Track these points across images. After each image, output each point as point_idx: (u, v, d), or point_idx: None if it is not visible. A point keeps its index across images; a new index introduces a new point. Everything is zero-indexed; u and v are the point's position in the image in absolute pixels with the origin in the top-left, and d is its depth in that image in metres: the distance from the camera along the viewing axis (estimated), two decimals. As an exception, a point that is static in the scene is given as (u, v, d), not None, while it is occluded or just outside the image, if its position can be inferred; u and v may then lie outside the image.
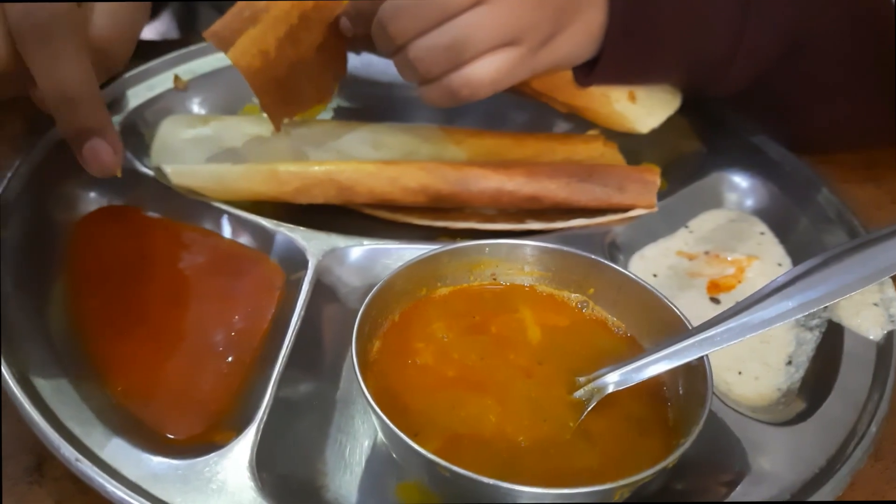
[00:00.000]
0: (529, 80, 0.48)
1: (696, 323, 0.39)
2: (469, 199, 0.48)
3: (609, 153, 0.52)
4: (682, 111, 0.54)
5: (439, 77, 0.46)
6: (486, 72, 0.45)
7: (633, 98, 0.52)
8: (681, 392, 0.39)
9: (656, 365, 0.38)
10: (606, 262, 0.43)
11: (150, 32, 0.95)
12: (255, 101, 0.54)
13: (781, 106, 0.57)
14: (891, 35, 0.55)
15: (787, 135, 0.57)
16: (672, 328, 0.40)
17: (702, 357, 0.38)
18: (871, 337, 0.44)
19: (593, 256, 0.43)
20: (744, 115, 0.56)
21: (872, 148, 0.59)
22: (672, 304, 0.40)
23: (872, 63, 0.56)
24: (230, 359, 0.42)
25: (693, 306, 0.45)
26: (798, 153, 0.56)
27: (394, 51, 0.47)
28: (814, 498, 0.37)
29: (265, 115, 0.50)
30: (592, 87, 0.49)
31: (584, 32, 0.48)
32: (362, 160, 0.50)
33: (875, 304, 0.45)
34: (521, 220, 0.49)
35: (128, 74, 0.56)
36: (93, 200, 0.50)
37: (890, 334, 0.44)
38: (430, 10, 0.44)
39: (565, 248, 0.44)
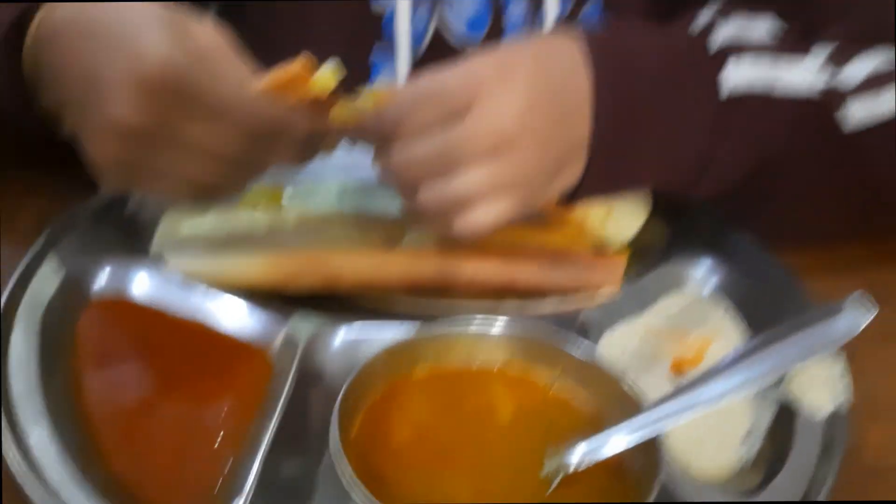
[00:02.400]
0: None
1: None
2: (449, 286, 0.51)
3: (580, 240, 0.55)
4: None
5: (442, 218, 0.49)
6: (487, 219, 0.49)
7: (609, 214, 0.56)
8: (640, 466, 0.42)
9: (616, 442, 0.41)
10: (576, 341, 0.46)
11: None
12: (252, 191, 0.56)
13: (744, 212, 0.61)
14: (854, 159, 0.59)
15: (751, 229, 0.61)
16: (632, 406, 0.43)
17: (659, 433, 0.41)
18: (821, 412, 0.46)
19: (562, 337, 0.46)
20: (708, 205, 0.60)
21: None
22: (632, 383, 0.44)
23: (838, 184, 0.59)
24: (219, 440, 0.45)
25: (657, 384, 0.47)
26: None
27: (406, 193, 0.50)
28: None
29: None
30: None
31: (571, 175, 0.52)
32: (349, 249, 0.53)
33: (825, 380, 0.47)
34: (499, 300, 0.52)
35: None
36: (106, 278, 0.53)
37: (837, 409, 0.46)
38: (444, 165, 0.47)
39: (535, 330, 0.47)
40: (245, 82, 0.46)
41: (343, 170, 0.60)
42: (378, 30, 0.71)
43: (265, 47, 0.76)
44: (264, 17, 0.76)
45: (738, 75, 0.56)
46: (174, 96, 0.45)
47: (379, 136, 0.50)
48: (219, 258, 0.51)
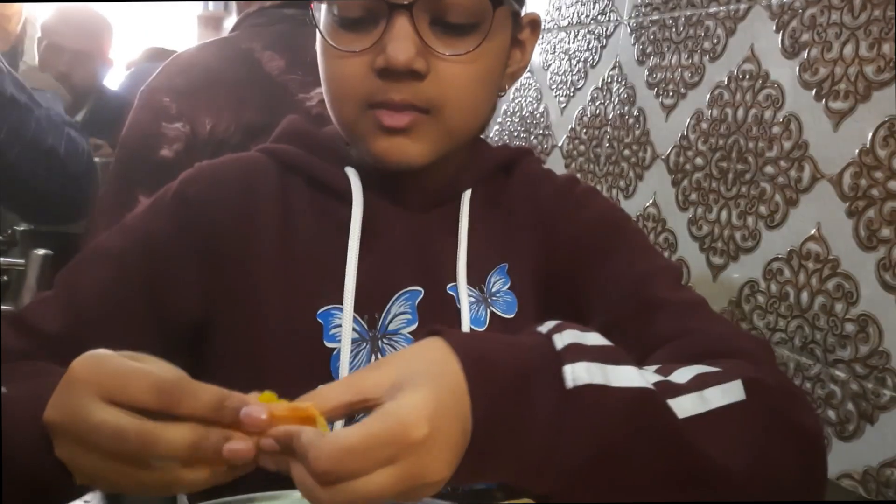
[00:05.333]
0: None
1: None
2: None
3: None
4: None
5: None
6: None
7: None
8: None
9: None
10: None
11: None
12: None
13: None
14: (686, 447, 0.66)
15: None
16: None
17: None
18: None
19: None
20: None
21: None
22: None
23: (675, 475, 0.67)
24: None
25: None
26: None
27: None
28: None
29: None
30: None
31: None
32: None
33: None
34: None
35: None
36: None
37: None
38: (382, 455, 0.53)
39: None
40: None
41: None
42: (327, 364, 0.81)
43: (222, 375, 0.84)
44: (226, 348, 0.86)
45: (577, 372, 0.63)
46: None
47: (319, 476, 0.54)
48: None
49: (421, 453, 0.54)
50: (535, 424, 0.63)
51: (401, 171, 0.84)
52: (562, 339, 0.66)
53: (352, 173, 0.88)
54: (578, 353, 0.65)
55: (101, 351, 0.59)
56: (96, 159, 1.95)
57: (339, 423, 0.68)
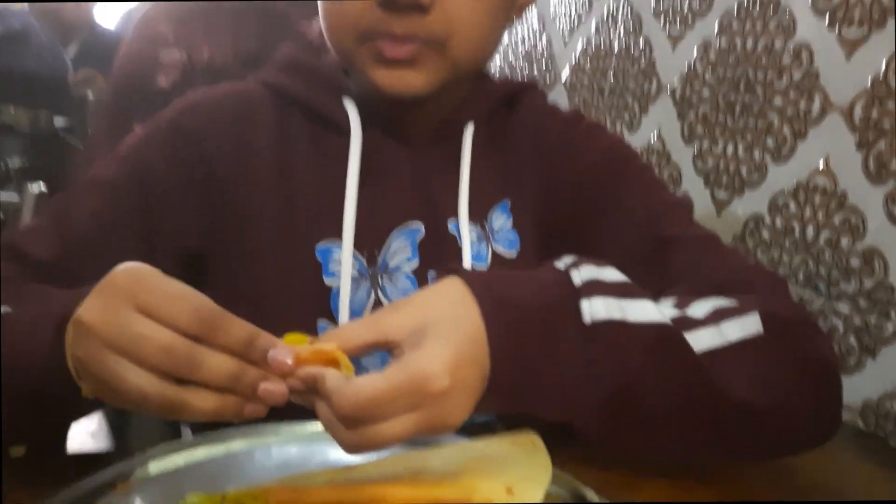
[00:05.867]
0: None
1: None
2: None
3: None
4: (554, 488, 0.63)
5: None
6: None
7: (510, 491, 0.60)
8: None
9: None
10: None
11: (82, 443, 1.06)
12: (189, 499, 0.61)
13: (616, 437, 0.68)
14: (706, 379, 0.66)
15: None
16: None
17: None
18: None
19: None
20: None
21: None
22: None
23: (694, 405, 0.67)
24: None
25: None
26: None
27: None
28: None
29: None
30: (474, 499, 0.60)
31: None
32: None
33: None
34: None
35: (80, 482, 0.62)
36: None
37: None
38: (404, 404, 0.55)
39: None
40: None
41: (282, 467, 0.65)
42: (326, 301, 0.80)
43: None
44: (224, 281, 0.85)
45: (596, 307, 0.64)
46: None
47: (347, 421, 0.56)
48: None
49: (442, 402, 0.55)
50: (556, 361, 0.63)
51: (402, 103, 0.81)
52: (580, 275, 0.66)
53: (350, 106, 0.85)
54: (596, 288, 0.65)
55: (144, 265, 0.58)
56: (88, 92, 1.91)
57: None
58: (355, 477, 0.64)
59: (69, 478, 0.62)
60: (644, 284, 0.70)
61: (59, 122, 2.19)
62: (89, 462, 0.66)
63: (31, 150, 2.10)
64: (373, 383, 0.54)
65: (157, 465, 0.66)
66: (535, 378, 0.63)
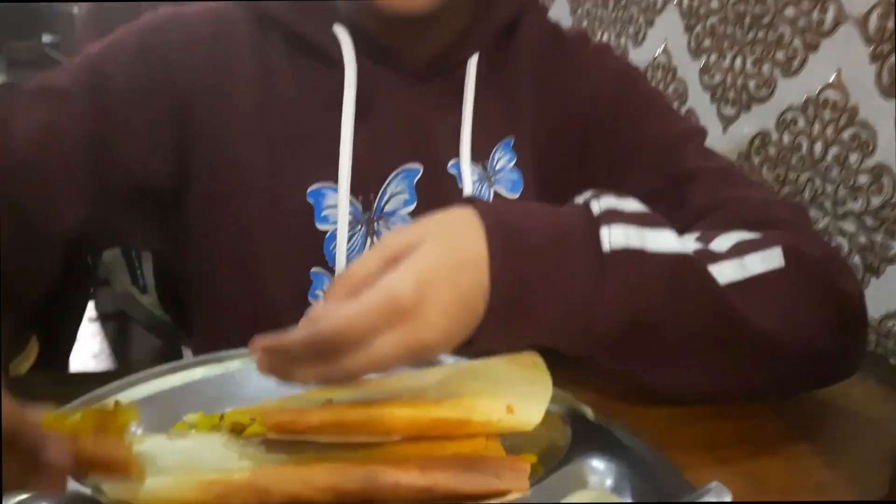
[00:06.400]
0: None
1: None
2: (373, 494, 0.55)
3: (491, 446, 0.60)
4: (555, 407, 0.63)
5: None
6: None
7: (511, 410, 0.60)
8: None
9: None
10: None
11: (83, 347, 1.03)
12: (186, 419, 0.61)
13: (638, 372, 0.68)
14: (729, 312, 0.65)
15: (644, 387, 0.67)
16: None
17: None
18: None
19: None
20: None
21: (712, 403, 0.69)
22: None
23: (717, 338, 0.66)
24: None
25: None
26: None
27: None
28: None
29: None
30: (474, 418, 0.59)
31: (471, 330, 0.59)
32: (279, 463, 0.57)
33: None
34: None
35: (74, 403, 0.62)
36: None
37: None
38: (378, 325, 0.54)
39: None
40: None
41: (280, 388, 0.64)
42: (320, 248, 0.77)
43: (212, 273, 0.81)
44: (212, 241, 0.81)
45: (615, 235, 0.62)
46: None
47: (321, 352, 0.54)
48: (153, 481, 0.54)
49: (414, 320, 0.54)
50: (570, 290, 0.61)
51: (400, 27, 0.76)
52: (599, 205, 0.64)
53: (342, 33, 0.78)
54: (616, 216, 0.63)
55: None
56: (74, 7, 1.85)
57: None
58: (354, 397, 0.63)
59: (69, 397, 0.61)
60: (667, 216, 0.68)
61: (46, 38, 2.13)
62: (90, 381, 0.65)
63: (14, 68, 2.04)
64: (348, 306, 0.53)
65: (155, 385, 0.66)
66: (543, 308, 0.61)
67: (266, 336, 0.54)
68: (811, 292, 0.69)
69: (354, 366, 0.54)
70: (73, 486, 0.56)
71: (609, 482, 0.60)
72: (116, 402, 0.61)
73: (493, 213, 0.61)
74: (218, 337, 0.73)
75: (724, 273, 0.66)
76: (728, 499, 0.51)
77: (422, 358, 0.58)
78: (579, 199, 0.67)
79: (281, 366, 0.55)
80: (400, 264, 0.56)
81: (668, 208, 0.73)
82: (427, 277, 0.55)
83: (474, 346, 0.60)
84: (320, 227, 0.79)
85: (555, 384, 0.62)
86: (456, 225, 0.60)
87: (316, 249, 0.79)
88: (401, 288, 0.54)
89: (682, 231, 0.71)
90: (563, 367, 0.63)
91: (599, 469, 0.61)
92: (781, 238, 0.69)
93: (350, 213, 0.79)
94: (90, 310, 1.22)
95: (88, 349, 1.31)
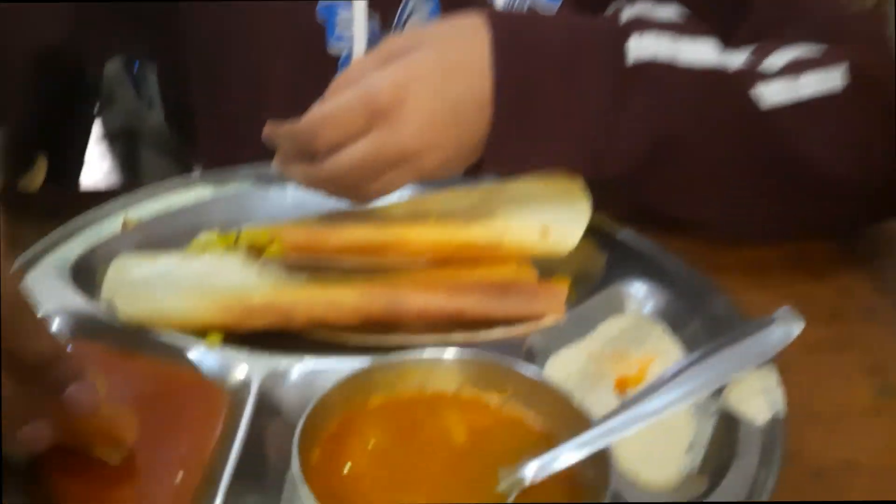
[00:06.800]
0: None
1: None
2: (399, 317, 0.52)
3: (523, 269, 0.56)
4: (588, 230, 0.59)
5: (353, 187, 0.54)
6: (382, 188, 0.55)
7: (545, 232, 0.56)
8: (591, 479, 0.44)
9: (567, 456, 0.43)
10: (522, 366, 0.48)
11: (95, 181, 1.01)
12: (201, 238, 0.58)
13: (670, 202, 0.63)
14: (772, 137, 0.59)
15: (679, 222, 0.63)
16: (580, 422, 0.45)
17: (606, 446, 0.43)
18: (758, 421, 0.48)
19: (510, 361, 0.48)
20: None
21: (753, 243, 0.65)
22: (579, 400, 0.45)
23: (757, 163, 0.60)
24: (178, 479, 0.45)
25: (602, 403, 0.49)
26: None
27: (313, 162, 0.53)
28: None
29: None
30: (506, 241, 0.56)
31: (470, 147, 0.56)
32: (301, 286, 0.54)
33: (761, 391, 0.49)
34: (448, 333, 0.53)
35: (78, 218, 0.60)
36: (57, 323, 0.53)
37: (774, 417, 0.48)
38: (354, 124, 0.51)
39: (485, 356, 0.48)
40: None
41: (298, 208, 0.61)
42: (333, 71, 0.71)
43: (220, 91, 0.75)
44: (219, 59, 0.75)
45: (642, 46, 0.56)
46: None
47: (302, 148, 0.53)
48: (169, 301, 0.51)
49: (390, 120, 0.52)
50: (585, 104, 0.56)
51: None
52: (630, 11, 0.58)
53: None
54: (645, 25, 0.57)
55: None
56: None
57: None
58: (377, 218, 0.59)
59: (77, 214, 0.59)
60: (718, 35, 0.61)
61: None
62: (98, 198, 0.63)
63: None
64: (324, 104, 0.53)
65: (165, 203, 0.62)
66: (553, 122, 0.56)
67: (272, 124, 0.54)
68: (874, 117, 0.61)
69: (334, 166, 0.52)
70: (87, 305, 0.54)
71: (648, 308, 0.57)
72: (125, 222, 0.58)
73: (504, 20, 0.56)
74: (225, 159, 0.69)
75: (773, 93, 0.60)
76: (799, 328, 0.48)
77: (418, 177, 0.56)
78: (610, 9, 0.61)
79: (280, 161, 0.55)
80: (388, 65, 0.53)
81: (723, 27, 0.65)
82: (408, 79, 0.52)
83: (482, 169, 0.57)
84: (334, 47, 0.71)
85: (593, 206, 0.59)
86: (460, 30, 0.56)
87: (328, 74, 0.72)
88: (378, 87, 0.51)
89: (738, 44, 0.63)
90: (600, 188, 0.60)
91: (638, 294, 0.58)
92: (847, 55, 0.62)
93: (367, 31, 0.71)
94: (97, 129, 1.19)
95: (97, 170, 1.28)
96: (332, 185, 0.55)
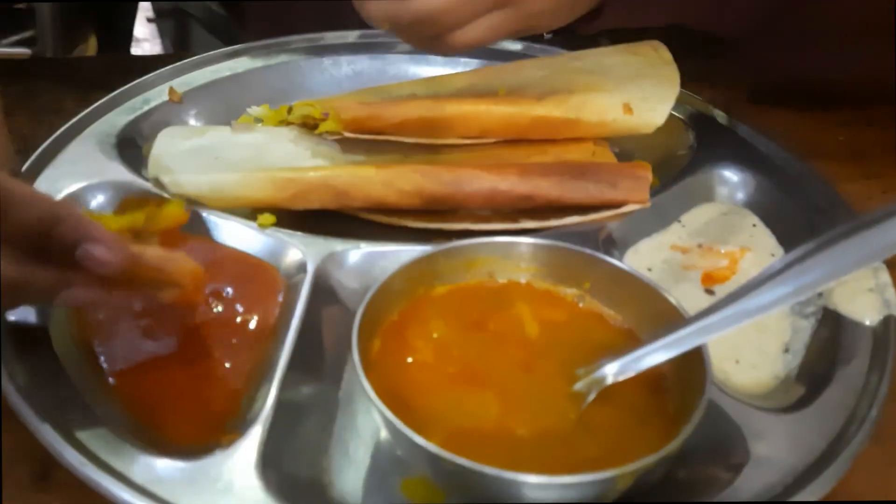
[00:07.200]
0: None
1: (691, 313, 0.39)
2: (463, 200, 0.48)
3: (600, 151, 0.52)
4: (675, 108, 0.54)
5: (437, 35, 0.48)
6: (478, 34, 0.48)
7: (628, 109, 0.51)
8: (680, 381, 0.40)
9: (654, 355, 0.39)
10: (602, 256, 0.43)
11: (145, 48, 0.99)
12: (250, 111, 0.54)
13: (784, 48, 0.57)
14: None
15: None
16: (669, 318, 0.40)
17: (700, 346, 0.38)
18: (868, 322, 0.44)
19: (588, 251, 0.43)
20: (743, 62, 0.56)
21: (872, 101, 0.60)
22: (669, 294, 0.41)
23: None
24: (232, 364, 0.43)
25: (688, 298, 0.45)
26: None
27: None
28: (817, 481, 0.38)
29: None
30: (584, 117, 0.50)
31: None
32: (358, 164, 0.50)
33: (870, 290, 0.44)
34: (516, 220, 0.49)
35: (123, 88, 0.57)
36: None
37: (886, 318, 0.43)
38: None
39: (561, 244, 0.44)
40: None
41: (353, 79, 0.58)
42: None
43: None
44: None
45: None
46: None
47: None
48: (219, 176, 0.48)
49: None
50: None
51: None
52: None
53: None
54: None
55: None
56: None
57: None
58: (440, 91, 0.54)
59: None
60: None
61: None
62: (147, 65, 0.59)
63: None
64: None
65: (212, 71, 0.58)
66: None
67: None
68: None
69: (427, 1, 0.46)
70: (130, 177, 0.50)
71: (741, 195, 0.53)
72: (171, 90, 0.54)
73: None
74: (273, 37, 0.64)
75: None
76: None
77: (522, 24, 0.49)
78: None
79: None
80: None
81: None
82: None
83: (600, 14, 0.53)
84: None
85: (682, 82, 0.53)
86: None
87: None
88: None
89: None
90: (690, 60, 0.54)
91: (730, 180, 0.53)
92: None
93: None
94: (147, 9, 1.17)
95: (148, 49, 1.26)
96: (419, 27, 0.48)
